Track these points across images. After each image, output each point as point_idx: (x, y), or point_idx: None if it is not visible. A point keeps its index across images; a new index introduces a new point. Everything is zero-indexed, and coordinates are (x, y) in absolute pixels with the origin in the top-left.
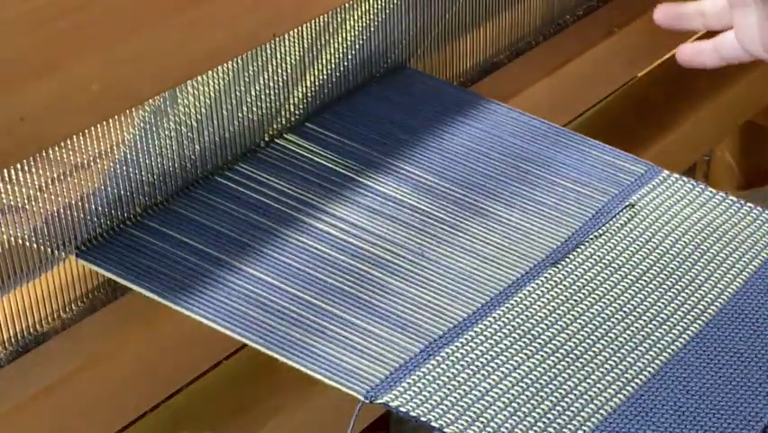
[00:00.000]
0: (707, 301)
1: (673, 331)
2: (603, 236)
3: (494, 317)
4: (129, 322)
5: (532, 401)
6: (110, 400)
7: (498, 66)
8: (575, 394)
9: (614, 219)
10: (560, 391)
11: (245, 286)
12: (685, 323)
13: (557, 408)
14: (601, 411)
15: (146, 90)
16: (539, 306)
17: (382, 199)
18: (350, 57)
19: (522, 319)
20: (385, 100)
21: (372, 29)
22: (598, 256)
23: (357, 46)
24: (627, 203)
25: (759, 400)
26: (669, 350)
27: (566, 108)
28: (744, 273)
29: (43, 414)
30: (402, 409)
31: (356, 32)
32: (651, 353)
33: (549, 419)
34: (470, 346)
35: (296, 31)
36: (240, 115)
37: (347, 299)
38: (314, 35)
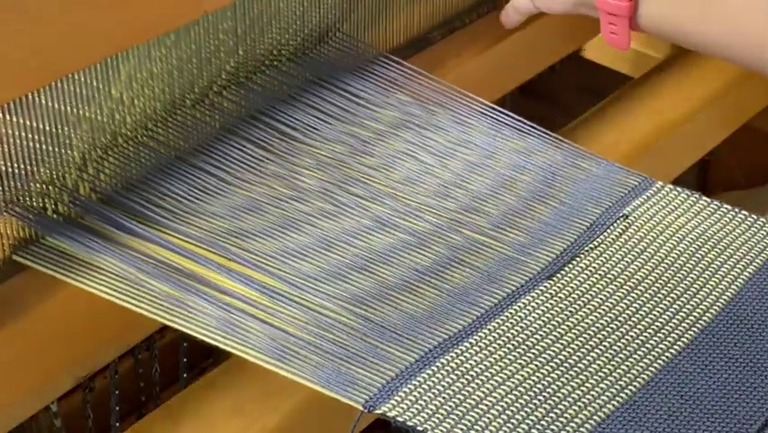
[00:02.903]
0: (702, 309)
1: (668, 339)
2: (598, 248)
3: (489, 329)
4: (56, 280)
5: (526, 408)
6: (36, 356)
7: (431, 42)
8: (569, 401)
9: (608, 231)
10: (554, 398)
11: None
12: (680, 330)
13: (551, 414)
14: (595, 417)
15: (76, 63)
16: (534, 317)
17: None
18: None
19: (517, 330)
20: None
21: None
22: (593, 268)
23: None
24: (621, 214)
25: (753, 403)
26: (664, 357)
27: (498, 86)
28: (738, 280)
29: None
30: (399, 418)
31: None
32: (645, 360)
33: (543, 425)
34: (466, 356)
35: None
36: None
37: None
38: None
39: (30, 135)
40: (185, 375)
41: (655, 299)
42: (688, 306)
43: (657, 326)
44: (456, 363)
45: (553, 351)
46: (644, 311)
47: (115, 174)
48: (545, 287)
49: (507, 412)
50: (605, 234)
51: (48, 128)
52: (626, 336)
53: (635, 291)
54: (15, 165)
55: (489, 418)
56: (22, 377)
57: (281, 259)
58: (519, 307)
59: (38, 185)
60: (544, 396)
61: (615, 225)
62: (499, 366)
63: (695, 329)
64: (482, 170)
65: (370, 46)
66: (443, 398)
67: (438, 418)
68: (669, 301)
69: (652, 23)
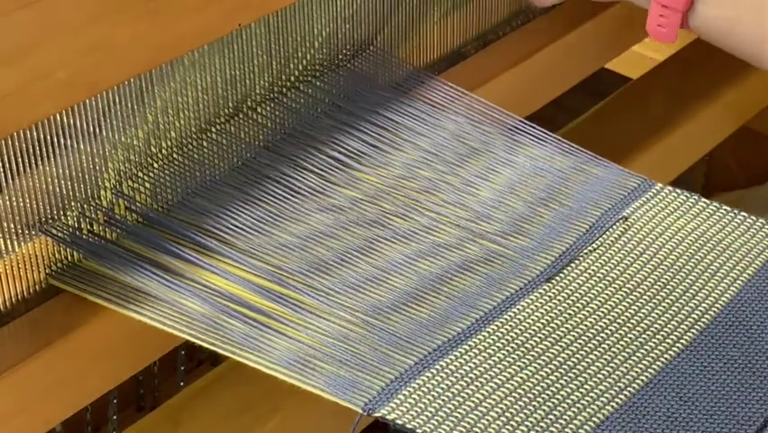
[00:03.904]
0: (701, 310)
1: (667, 340)
2: (597, 250)
3: (488, 332)
4: (93, 303)
5: (525, 410)
6: (72, 381)
7: (465, 56)
8: (568, 403)
9: (608, 233)
10: (553, 400)
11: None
12: (679, 332)
13: (550, 416)
14: (594, 419)
15: (111, 78)
16: (533, 320)
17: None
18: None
19: (516, 333)
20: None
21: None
22: (593, 270)
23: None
24: (621, 216)
25: (752, 404)
26: (662, 359)
27: (532, 99)
28: (737, 282)
29: (6, 394)
30: (399, 421)
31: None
32: (644, 362)
33: (543, 427)
34: (465, 359)
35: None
36: None
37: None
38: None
39: (66, 152)
40: (182, 379)
41: (654, 300)
42: (687, 307)
43: (656, 327)
44: (455, 366)
45: (552, 353)
46: (643, 313)
47: (153, 195)
48: (545, 289)
49: (507, 414)
50: (604, 236)
51: (84, 146)
52: (625, 338)
53: (635, 293)
54: (52, 183)
55: (488, 420)
56: (62, 400)
57: (297, 271)
58: (518, 309)
59: (75, 204)
60: (543, 398)
61: (614, 227)
62: (498, 369)
63: (694, 331)
64: (490, 175)
65: (404, 61)
66: (443, 400)
67: (437, 420)
68: (668, 303)
69: (705, 23)
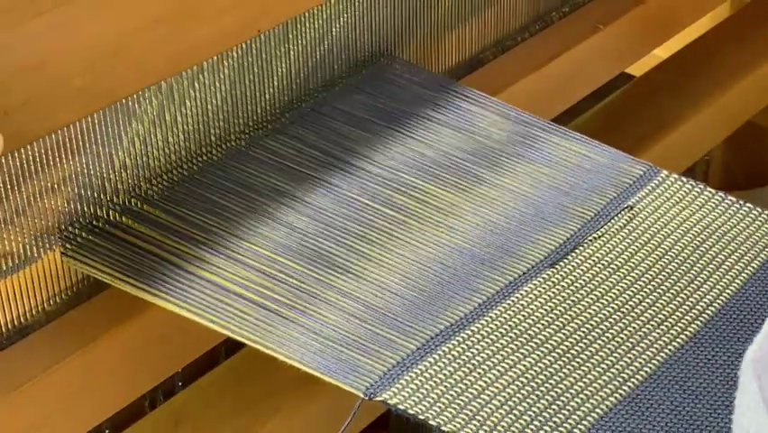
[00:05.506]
0: (705, 302)
1: (671, 331)
2: (602, 238)
3: (491, 317)
4: (112, 314)
5: (528, 399)
6: (93, 392)
7: (484, 62)
8: (571, 393)
9: (613, 221)
10: (556, 389)
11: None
12: (683, 323)
13: (553, 406)
14: (597, 410)
15: (129, 85)
16: (536, 306)
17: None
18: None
19: (519, 319)
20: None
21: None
22: (597, 257)
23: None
24: (626, 205)
25: None
26: (666, 350)
27: (551, 105)
28: (743, 274)
29: (27, 406)
30: (400, 406)
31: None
32: (648, 352)
33: (545, 417)
34: (467, 344)
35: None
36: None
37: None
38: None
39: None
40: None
41: (659, 290)
42: (692, 298)
43: (660, 318)
44: (457, 352)
45: (555, 341)
46: (648, 303)
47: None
48: (548, 275)
49: (509, 403)
50: (609, 223)
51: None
52: (629, 328)
53: (639, 282)
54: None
55: (490, 408)
56: (83, 412)
57: (300, 257)
58: (521, 295)
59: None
60: (545, 387)
61: (620, 215)
62: (501, 356)
63: (699, 322)
64: (490, 159)
65: (424, 68)
66: (445, 387)
67: (439, 407)
68: (673, 293)
69: None
